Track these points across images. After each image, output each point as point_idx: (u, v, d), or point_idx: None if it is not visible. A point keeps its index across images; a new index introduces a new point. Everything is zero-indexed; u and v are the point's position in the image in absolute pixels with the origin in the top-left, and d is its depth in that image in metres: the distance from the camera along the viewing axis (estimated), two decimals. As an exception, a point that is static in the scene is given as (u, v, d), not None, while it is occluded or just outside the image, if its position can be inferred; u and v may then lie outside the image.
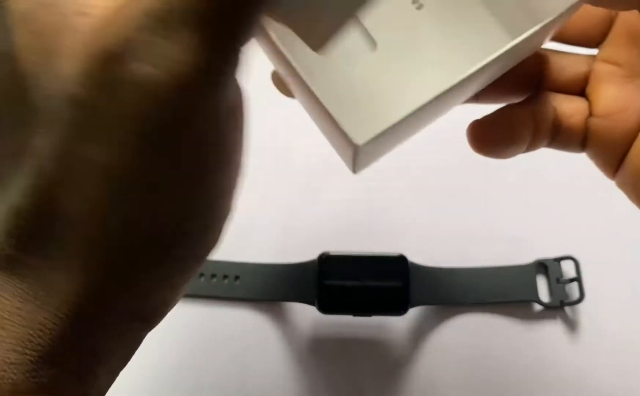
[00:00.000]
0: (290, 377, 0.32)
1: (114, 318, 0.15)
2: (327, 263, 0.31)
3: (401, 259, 0.31)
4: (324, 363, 0.32)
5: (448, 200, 0.36)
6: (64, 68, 0.13)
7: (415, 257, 0.32)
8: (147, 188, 0.13)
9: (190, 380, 0.32)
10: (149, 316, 0.17)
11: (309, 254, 0.32)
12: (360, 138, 0.19)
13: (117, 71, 0.12)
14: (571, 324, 0.33)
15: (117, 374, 0.17)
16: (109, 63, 0.12)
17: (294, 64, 0.20)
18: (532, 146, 0.23)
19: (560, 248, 0.35)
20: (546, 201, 0.35)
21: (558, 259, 0.34)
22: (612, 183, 0.36)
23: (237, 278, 0.34)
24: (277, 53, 0.21)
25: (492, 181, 0.36)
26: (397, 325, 0.33)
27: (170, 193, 0.14)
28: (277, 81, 0.24)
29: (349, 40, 0.22)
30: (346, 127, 0.20)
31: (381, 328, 0.33)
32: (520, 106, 0.23)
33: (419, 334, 0.33)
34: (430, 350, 0.33)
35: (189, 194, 0.14)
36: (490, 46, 0.22)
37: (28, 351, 0.13)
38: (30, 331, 0.13)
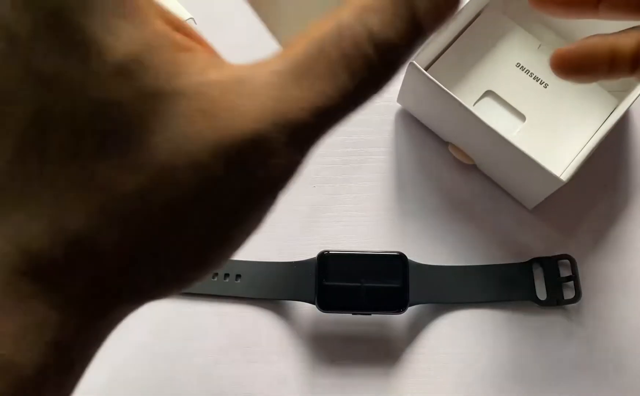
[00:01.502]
0: (291, 374, 0.32)
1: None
2: (327, 262, 0.32)
3: (400, 258, 0.32)
4: (324, 359, 0.33)
5: (447, 198, 0.36)
6: (184, 132, 0.13)
7: (415, 255, 0.33)
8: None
9: (190, 378, 0.32)
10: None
11: (309, 253, 0.33)
12: (564, 176, 0.31)
13: (247, 160, 0.13)
14: (567, 323, 0.33)
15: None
16: (241, 151, 0.13)
17: (502, 134, 0.32)
18: (611, 75, 0.25)
19: (557, 246, 0.35)
20: (543, 200, 0.36)
21: (555, 258, 0.34)
22: (609, 183, 0.36)
23: (238, 276, 0.34)
24: (476, 129, 0.32)
25: (490, 180, 0.36)
26: (396, 322, 0.33)
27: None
28: (456, 151, 0.36)
29: (506, 117, 0.36)
30: (551, 170, 0.31)
31: (380, 325, 0.33)
32: (602, 39, 0.24)
33: (418, 331, 0.33)
34: (428, 347, 0.33)
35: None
36: (601, 107, 0.36)
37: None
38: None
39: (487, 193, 0.36)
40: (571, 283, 0.34)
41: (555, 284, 0.34)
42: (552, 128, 0.36)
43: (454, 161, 0.37)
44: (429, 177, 0.37)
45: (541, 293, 0.34)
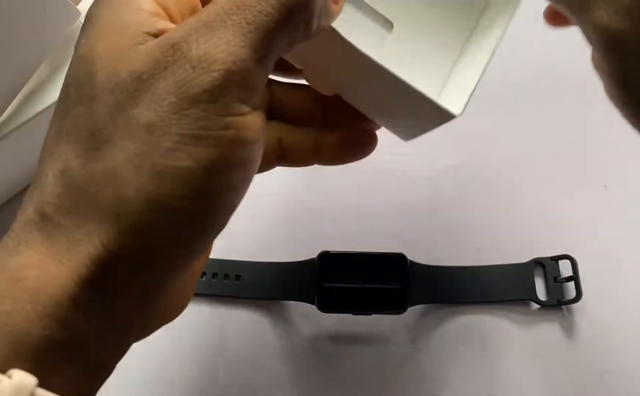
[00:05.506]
0: (290, 374, 0.32)
1: (127, 292, 0.16)
2: (327, 262, 0.32)
3: (400, 258, 0.32)
4: (324, 360, 0.33)
5: (447, 199, 0.36)
6: (130, 54, 0.16)
7: (415, 255, 0.33)
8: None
9: (191, 378, 0.32)
10: (155, 306, 0.17)
11: (309, 253, 0.33)
12: (456, 110, 0.21)
13: (175, 53, 0.16)
14: (568, 323, 0.33)
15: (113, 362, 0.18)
16: (170, 48, 0.16)
17: (378, 61, 0.21)
18: None
19: (558, 247, 0.35)
20: (543, 200, 0.36)
21: (555, 258, 0.34)
22: (609, 181, 0.36)
23: (238, 277, 0.34)
24: (344, 53, 0.22)
25: (490, 180, 0.36)
26: (396, 323, 0.33)
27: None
28: (312, 78, 0.26)
29: (368, 26, 0.26)
30: (440, 102, 0.21)
31: (380, 325, 0.33)
32: None
33: (418, 332, 0.33)
34: (428, 347, 0.33)
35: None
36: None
37: (40, 307, 0.14)
38: (49, 289, 0.14)
39: (487, 193, 0.36)
40: (571, 283, 0.34)
41: (555, 284, 0.34)
42: (428, 35, 0.26)
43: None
44: (428, 177, 0.37)
45: (541, 293, 0.34)
